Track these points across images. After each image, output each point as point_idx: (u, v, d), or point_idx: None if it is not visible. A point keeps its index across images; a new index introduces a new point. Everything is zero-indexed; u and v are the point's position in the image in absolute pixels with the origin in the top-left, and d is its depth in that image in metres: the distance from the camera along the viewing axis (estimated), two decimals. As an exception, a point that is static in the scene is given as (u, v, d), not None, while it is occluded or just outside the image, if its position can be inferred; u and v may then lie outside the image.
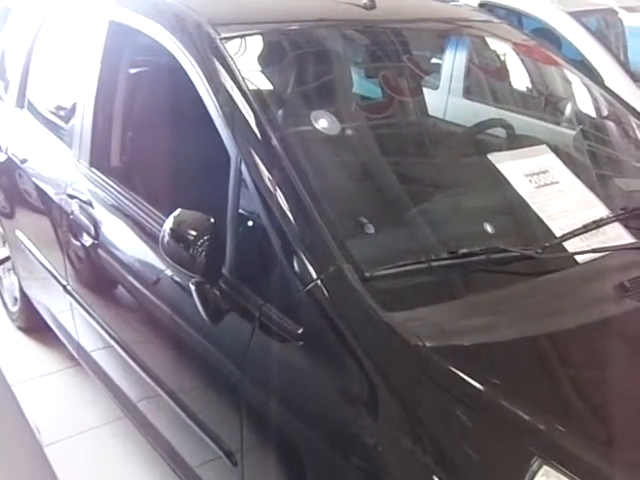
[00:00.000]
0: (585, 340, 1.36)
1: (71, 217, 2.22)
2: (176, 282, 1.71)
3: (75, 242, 2.21)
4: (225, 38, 1.76)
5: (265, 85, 1.86)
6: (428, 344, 1.25)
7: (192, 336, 1.66)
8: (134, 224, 1.95)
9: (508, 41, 2.38)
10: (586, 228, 1.58)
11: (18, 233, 2.78)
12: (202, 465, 1.81)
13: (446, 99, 3.32)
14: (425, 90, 2.60)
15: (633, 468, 1.13)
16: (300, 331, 1.37)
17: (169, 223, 1.54)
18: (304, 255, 1.39)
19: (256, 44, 1.90)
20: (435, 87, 3.47)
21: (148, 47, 2.01)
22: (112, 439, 2.46)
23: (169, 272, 1.74)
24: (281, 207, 1.45)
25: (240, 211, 1.56)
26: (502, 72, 2.54)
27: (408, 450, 1.18)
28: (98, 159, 2.18)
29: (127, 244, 1.99)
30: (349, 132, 1.88)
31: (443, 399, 1.22)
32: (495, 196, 1.73)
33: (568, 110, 2.52)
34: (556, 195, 1.65)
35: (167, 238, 1.53)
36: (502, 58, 2.54)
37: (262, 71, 1.90)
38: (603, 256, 1.54)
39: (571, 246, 1.55)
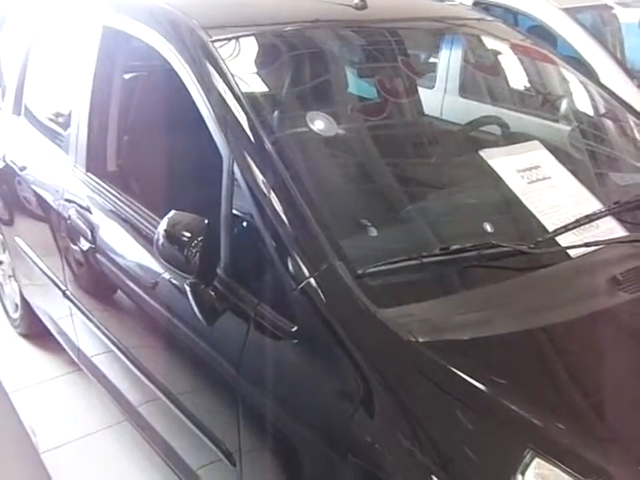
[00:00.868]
0: (578, 333, 1.36)
1: (69, 222, 2.23)
2: (173, 284, 1.72)
3: (73, 247, 2.22)
4: (217, 40, 1.77)
5: (256, 86, 1.87)
6: (420, 339, 1.26)
7: (189, 338, 1.67)
8: (131, 228, 1.96)
9: (502, 39, 2.38)
10: (578, 222, 1.59)
11: (18, 240, 2.80)
12: (203, 467, 1.82)
13: (442, 98, 3.33)
14: (421, 89, 2.60)
15: (625, 460, 1.13)
16: (294, 329, 1.38)
17: (163, 225, 1.55)
18: (297, 254, 1.39)
19: (248, 46, 1.91)
20: (431, 86, 3.49)
21: (141, 51, 2.03)
22: (114, 442, 2.47)
23: (166, 275, 1.74)
24: (274, 207, 1.46)
25: (234, 212, 1.57)
26: (497, 70, 2.54)
27: (405, 447, 1.18)
28: (94, 164, 2.19)
29: (124, 248, 2.00)
30: (342, 132, 1.89)
31: (436, 394, 1.22)
32: (487, 192, 1.73)
33: (563, 107, 2.53)
34: (548, 190, 1.66)
35: (161, 240, 1.55)
36: (497, 56, 2.54)
37: (254, 72, 1.91)
38: (596, 250, 1.54)
39: (564, 241, 1.55)
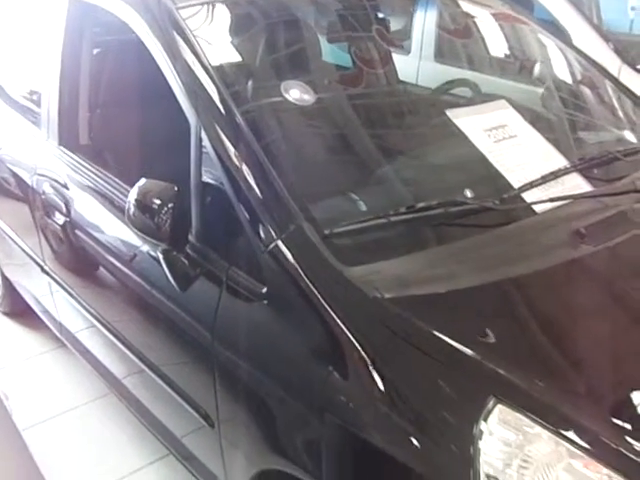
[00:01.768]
0: (542, 286, 1.39)
1: (43, 197, 2.23)
2: (147, 253, 1.74)
3: (49, 222, 2.22)
4: (182, 7, 1.76)
5: (223, 52, 1.86)
6: (387, 295, 1.28)
7: (166, 306, 1.69)
8: (105, 200, 1.96)
9: (478, 3, 2.38)
10: (544, 179, 1.61)
11: (-4, 218, 2.79)
12: (187, 435, 1.85)
13: (417, 64, 3.33)
14: (397, 56, 2.60)
15: (586, 404, 1.17)
16: (264, 290, 1.40)
17: (134, 194, 1.56)
18: (265, 217, 1.41)
19: (215, 12, 1.90)
20: (407, 52, 3.48)
21: (108, 22, 2.01)
22: (100, 415, 2.50)
23: (140, 244, 1.76)
24: (242, 172, 1.47)
25: (203, 178, 1.57)
26: (472, 34, 2.54)
27: (377, 401, 1.20)
28: (66, 138, 2.18)
29: (99, 220, 2.00)
30: (311, 98, 1.89)
31: (404, 349, 1.25)
32: (454, 152, 1.74)
33: (537, 69, 2.54)
34: (515, 148, 1.67)
35: (132, 209, 1.56)
36: (471, 20, 2.54)
37: (220, 39, 1.90)
38: (560, 205, 1.56)
39: (530, 197, 1.58)
